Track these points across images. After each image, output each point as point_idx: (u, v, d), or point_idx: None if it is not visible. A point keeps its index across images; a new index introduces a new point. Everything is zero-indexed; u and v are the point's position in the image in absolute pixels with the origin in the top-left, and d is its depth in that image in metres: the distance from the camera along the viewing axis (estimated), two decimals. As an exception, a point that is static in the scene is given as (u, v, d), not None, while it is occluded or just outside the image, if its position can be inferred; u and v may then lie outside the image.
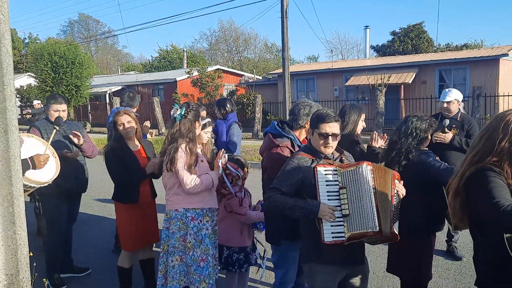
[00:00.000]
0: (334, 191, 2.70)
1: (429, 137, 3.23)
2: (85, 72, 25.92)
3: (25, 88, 31.55)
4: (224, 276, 4.05)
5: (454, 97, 4.88)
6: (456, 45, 33.52)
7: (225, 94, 26.61)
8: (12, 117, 2.30)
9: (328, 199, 2.68)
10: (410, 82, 18.98)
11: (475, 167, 2.08)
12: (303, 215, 2.68)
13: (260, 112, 19.34)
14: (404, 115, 18.61)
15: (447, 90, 5.03)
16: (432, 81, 19.73)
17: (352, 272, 2.85)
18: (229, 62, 47.41)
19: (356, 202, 2.65)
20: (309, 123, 3.01)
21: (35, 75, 26.03)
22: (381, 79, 15.70)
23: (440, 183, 2.94)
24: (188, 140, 3.27)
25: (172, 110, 3.41)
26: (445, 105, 4.87)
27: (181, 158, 3.21)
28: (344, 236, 2.62)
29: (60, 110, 4.43)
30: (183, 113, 3.32)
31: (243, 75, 30.79)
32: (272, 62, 47.37)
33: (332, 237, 2.63)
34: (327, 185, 2.70)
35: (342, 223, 2.64)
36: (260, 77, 30.89)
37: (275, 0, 17.17)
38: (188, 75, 25.53)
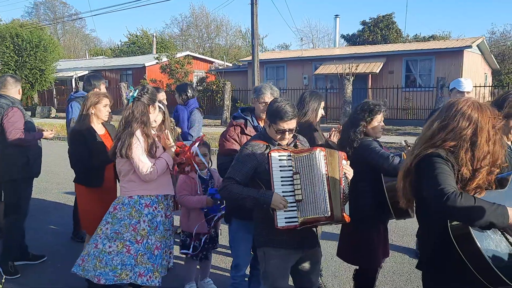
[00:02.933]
0: (288, 177, 2.73)
1: (376, 124, 3.30)
2: (49, 56, 25.10)
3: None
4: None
5: (472, 86, 4.51)
6: (424, 37, 34.20)
7: (195, 80, 26.31)
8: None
9: (282, 185, 2.71)
10: (377, 71, 19.27)
11: (425, 152, 2.12)
12: (256, 205, 2.72)
13: (229, 100, 19.26)
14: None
15: (462, 79, 4.55)
16: (399, 71, 20.09)
17: (305, 256, 2.90)
18: (201, 49, 46.80)
19: (309, 188, 2.69)
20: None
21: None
22: (349, 68, 15.86)
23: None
24: (142, 124, 3.20)
25: (126, 91, 3.34)
26: (466, 95, 4.33)
27: (136, 144, 3.14)
28: (297, 221, 2.66)
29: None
30: (135, 95, 3.24)
31: (214, 62, 30.48)
32: (244, 49, 47.04)
33: (285, 222, 2.66)
34: (280, 170, 2.73)
35: (295, 208, 2.68)
36: (231, 64, 30.67)
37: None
38: (157, 61, 25.09)
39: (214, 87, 22.73)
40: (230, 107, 19.31)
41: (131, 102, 3.24)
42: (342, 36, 35.87)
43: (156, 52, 31.83)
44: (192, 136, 5.15)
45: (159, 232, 3.28)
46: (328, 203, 2.65)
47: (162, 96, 4.91)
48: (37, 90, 26.05)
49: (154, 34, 38.99)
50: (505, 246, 2.01)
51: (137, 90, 3.26)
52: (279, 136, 2.79)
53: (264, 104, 3.40)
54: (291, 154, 2.75)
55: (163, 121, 4.09)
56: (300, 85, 21.47)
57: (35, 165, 4.46)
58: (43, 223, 6.03)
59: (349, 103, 15.84)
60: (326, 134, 3.99)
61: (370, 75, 19.60)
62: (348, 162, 2.91)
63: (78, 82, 24.52)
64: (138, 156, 3.13)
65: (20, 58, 23.90)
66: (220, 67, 27.69)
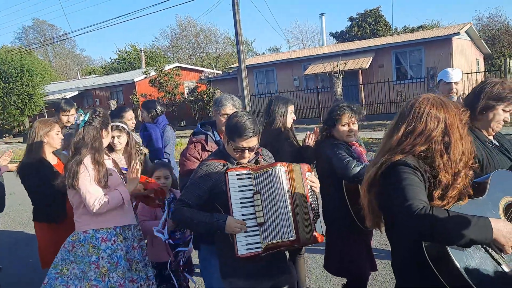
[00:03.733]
0: (248, 197, 2.44)
1: (341, 127, 3.11)
2: (36, 79, 24.88)
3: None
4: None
5: (460, 75, 4.24)
6: (412, 28, 33.97)
7: (186, 91, 26.09)
8: None
9: (242, 207, 2.43)
10: (367, 67, 19.00)
11: (391, 160, 1.82)
12: (210, 232, 2.43)
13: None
14: (364, 100, 18.70)
15: (449, 69, 4.30)
16: (389, 64, 19.83)
17: (278, 282, 2.59)
18: (193, 58, 46.63)
19: (271, 208, 2.41)
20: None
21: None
22: (337, 66, 15.60)
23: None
24: (93, 151, 2.90)
25: (76, 116, 3.04)
26: (454, 86, 4.15)
27: (84, 173, 2.83)
28: (260, 247, 2.37)
29: None
30: (86, 119, 2.95)
31: (203, 71, 30.27)
32: (234, 55, 46.79)
33: (247, 249, 2.37)
34: (239, 190, 2.44)
35: (257, 232, 2.39)
36: (221, 72, 30.45)
37: (226, -8, 16.73)
38: (145, 76, 24.86)
39: (205, 96, 22.45)
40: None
41: (82, 126, 2.95)
42: (331, 34, 35.71)
43: (146, 67, 31.65)
44: (168, 154, 4.86)
45: (121, 268, 2.96)
46: (292, 224, 2.36)
47: (129, 115, 4.62)
48: (28, 115, 25.80)
49: (142, 49, 38.73)
50: (490, 265, 1.71)
51: (87, 114, 2.97)
52: (238, 155, 2.50)
53: (225, 116, 3.13)
54: (251, 172, 2.46)
55: (127, 143, 3.84)
56: (291, 87, 21.21)
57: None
58: (13, 256, 5.65)
59: (340, 102, 15.55)
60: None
61: (360, 71, 19.33)
62: (313, 172, 2.64)
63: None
64: (85, 186, 2.82)
65: (7, 84, 23.66)
66: (209, 76, 27.47)
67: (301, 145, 3.48)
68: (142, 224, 3.35)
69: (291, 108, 3.57)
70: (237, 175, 2.44)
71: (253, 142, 2.46)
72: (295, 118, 3.66)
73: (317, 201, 2.58)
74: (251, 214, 2.40)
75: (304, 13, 79.60)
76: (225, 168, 2.49)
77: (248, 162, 2.57)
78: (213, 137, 3.22)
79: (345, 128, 3.10)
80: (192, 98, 23.33)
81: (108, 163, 3.08)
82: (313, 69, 20.44)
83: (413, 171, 1.75)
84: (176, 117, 22.94)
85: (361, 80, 19.40)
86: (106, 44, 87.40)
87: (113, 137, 3.71)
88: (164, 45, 49.96)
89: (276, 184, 2.41)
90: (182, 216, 2.44)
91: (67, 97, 27.59)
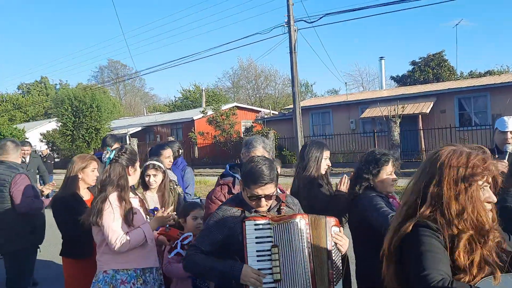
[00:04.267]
0: (266, 250, 2.27)
1: (384, 176, 2.80)
2: (104, 115, 26.42)
3: (50, 132, 32.43)
4: None
5: None
6: (479, 73, 32.61)
7: (242, 130, 26.47)
8: None
9: (258, 260, 2.26)
10: (428, 111, 18.29)
11: (408, 223, 1.61)
12: (223, 281, 2.25)
13: (274, 148, 18.95)
14: (423, 146, 17.89)
15: (506, 118, 4.09)
16: (451, 110, 18.97)
17: None
18: (252, 98, 47.66)
19: (289, 264, 2.22)
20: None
21: (57, 120, 26.75)
22: (395, 109, 15.13)
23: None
24: (119, 188, 2.88)
25: (103, 153, 3.07)
26: (509, 135, 3.87)
27: (109, 210, 2.80)
28: (276, 306, 2.17)
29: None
30: (112, 156, 2.95)
31: (260, 111, 30.70)
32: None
33: None
34: (257, 242, 2.28)
35: (274, 289, 2.20)
36: (277, 113, 30.72)
37: (284, 36, 17.06)
38: (203, 114, 25.64)
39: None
40: (274, 156, 18.97)
41: (108, 164, 2.97)
42: (392, 78, 35.14)
43: (206, 106, 32.72)
44: (190, 195, 4.81)
45: None
46: (310, 285, 2.15)
47: (167, 153, 4.64)
48: (93, 148, 27.28)
49: (203, 88, 40.19)
50: None
51: (113, 152, 2.99)
52: (254, 203, 2.33)
53: None
54: (270, 222, 2.30)
55: (162, 181, 3.82)
56: (347, 130, 20.86)
57: (40, 232, 4.28)
58: None
59: (397, 146, 14.98)
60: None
61: (420, 116, 18.63)
62: (341, 229, 2.40)
63: (130, 139, 25.44)
64: (108, 224, 2.78)
65: (77, 119, 25.29)
66: (266, 116, 27.76)
67: (334, 191, 3.27)
68: (169, 266, 3.24)
69: (326, 153, 3.38)
70: (255, 225, 2.29)
71: (269, 189, 2.29)
72: (330, 165, 3.47)
73: (343, 259, 2.35)
74: (268, 268, 2.23)
75: (364, 56, 79.36)
76: (242, 215, 2.35)
77: (269, 210, 2.41)
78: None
79: (390, 177, 2.86)
80: (247, 137, 23.56)
81: (134, 202, 3.04)
82: (371, 112, 20.02)
83: (433, 234, 1.52)
84: (231, 155, 23.21)
85: (420, 125, 18.67)
86: (172, 84, 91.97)
87: (148, 175, 3.72)
88: (225, 85, 51.60)
89: (295, 237, 2.23)
90: (195, 263, 2.30)
91: (131, 132, 29.00)
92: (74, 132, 25.31)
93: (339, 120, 22.23)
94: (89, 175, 3.66)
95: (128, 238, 2.81)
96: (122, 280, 2.87)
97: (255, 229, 2.28)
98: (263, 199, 2.29)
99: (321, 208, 2.87)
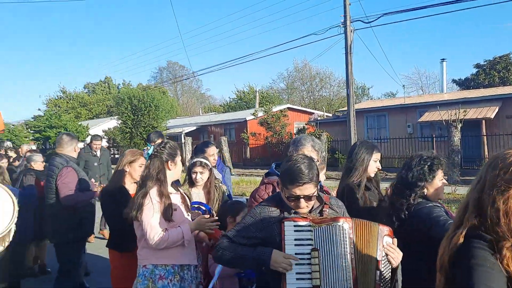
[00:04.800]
0: (305, 253, 2.16)
1: (439, 183, 2.57)
2: (161, 114, 27.24)
3: (112, 129, 33.95)
4: None
5: None
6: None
7: (294, 132, 26.30)
8: None
9: (297, 263, 2.15)
10: (492, 117, 17.20)
11: (459, 233, 1.45)
12: (253, 267, 2.22)
13: (326, 151, 18.63)
14: (487, 153, 16.83)
15: None
16: (519, 115, 17.73)
17: None
18: (306, 100, 47.30)
19: (329, 271, 2.09)
20: None
21: (117, 118, 27.95)
22: (456, 114, 14.33)
23: None
24: (158, 182, 2.88)
25: (145, 149, 3.09)
26: None
27: (149, 205, 2.82)
28: (313, 310, 2.06)
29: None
30: (151, 152, 2.96)
31: (314, 113, 30.36)
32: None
33: None
34: (296, 244, 2.17)
35: (312, 295, 2.09)
36: (331, 115, 30.23)
37: (340, 37, 16.72)
38: (253, 117, 25.75)
39: (312, 138, 22.31)
40: (327, 158, 18.65)
41: (147, 159, 2.99)
42: (454, 81, 33.55)
43: (259, 107, 32.85)
44: (230, 196, 4.78)
45: None
46: (350, 295, 2.01)
47: (212, 151, 4.63)
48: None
49: (257, 90, 40.36)
50: None
51: (153, 147, 3.00)
52: (292, 203, 2.22)
53: None
54: (311, 224, 2.18)
55: (208, 178, 3.81)
56: (404, 134, 20.09)
57: (88, 225, 4.40)
58: (90, 283, 5.68)
59: (457, 152, 14.18)
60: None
61: (483, 121, 17.58)
62: (395, 240, 2.20)
63: (185, 138, 26.04)
64: (147, 219, 2.80)
65: (136, 117, 26.27)
66: (319, 118, 27.40)
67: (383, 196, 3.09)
68: (214, 265, 3.17)
69: (376, 155, 3.20)
70: (294, 226, 2.18)
71: (308, 189, 2.16)
72: (380, 168, 3.28)
73: (393, 272, 2.17)
74: (307, 273, 2.11)
75: (425, 58, 76.25)
76: (281, 216, 2.25)
77: (311, 211, 2.30)
78: None
79: (443, 183, 2.64)
80: (296, 136, 23.38)
81: (176, 198, 3.03)
82: (430, 116, 19.15)
83: (487, 247, 1.36)
84: (283, 156, 23.10)
85: (484, 131, 17.59)
86: (227, 85, 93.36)
87: (195, 172, 3.72)
88: (279, 87, 51.59)
89: (337, 242, 2.10)
90: (223, 252, 2.24)
91: (186, 131, 29.69)
92: (133, 130, 26.29)
93: (395, 124, 21.47)
94: (136, 169, 3.71)
95: (166, 236, 2.80)
96: (161, 275, 2.88)
97: (295, 231, 2.18)
98: (302, 200, 2.18)
99: (365, 216, 2.68)
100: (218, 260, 2.31)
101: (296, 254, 2.15)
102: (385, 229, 2.19)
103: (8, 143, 12.11)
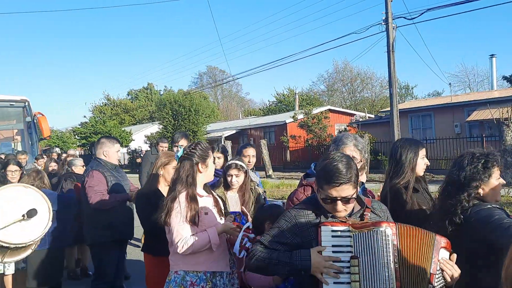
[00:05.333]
0: (344, 261, 1.95)
1: (495, 182, 2.26)
2: (201, 118, 27.53)
3: (154, 134, 34.71)
4: None
5: None
6: None
7: (335, 134, 25.84)
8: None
9: (335, 272, 1.93)
10: (549, 114, 16.07)
11: None
12: (292, 273, 2.03)
13: (368, 152, 18.08)
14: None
15: None
16: None
17: None
18: (347, 101, 46.52)
19: (371, 280, 1.88)
20: None
21: (159, 123, 28.52)
22: (508, 112, 13.49)
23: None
24: (187, 186, 2.75)
25: (174, 150, 2.97)
26: None
27: (177, 210, 2.69)
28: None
29: (120, 151, 4.40)
30: (180, 153, 2.82)
31: (355, 114, 29.72)
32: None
33: None
34: (334, 251, 1.97)
35: (352, 307, 1.88)
36: (373, 116, 29.47)
37: (381, 35, 16.22)
38: (292, 120, 25.50)
39: (354, 140, 21.79)
40: (369, 160, 18.11)
41: (178, 161, 2.86)
42: (504, 78, 31.73)
43: (299, 109, 32.54)
44: None
45: None
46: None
47: (247, 152, 4.47)
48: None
49: (297, 92, 40.05)
50: None
51: (183, 149, 2.87)
52: (328, 206, 2.02)
53: None
54: (351, 229, 1.97)
55: (244, 181, 3.65)
56: (451, 134, 19.20)
57: (121, 227, 4.34)
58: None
59: (510, 153, 13.33)
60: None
61: (539, 119, 16.46)
62: (454, 256, 1.95)
63: (224, 141, 26.19)
64: (174, 224, 2.68)
65: (177, 122, 26.68)
66: (361, 119, 26.78)
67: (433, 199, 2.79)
68: (249, 274, 2.94)
69: (422, 152, 2.89)
70: (332, 231, 1.98)
71: (346, 191, 1.95)
72: (429, 164, 2.98)
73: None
74: (346, 283, 1.90)
75: (473, 54, 73.13)
76: (318, 220, 2.05)
77: (350, 215, 2.08)
78: None
79: (500, 182, 2.33)
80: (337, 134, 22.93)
81: (208, 201, 2.90)
82: (479, 115, 18.21)
83: None
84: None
85: (540, 129, 16.47)
86: (267, 88, 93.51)
87: (231, 175, 3.58)
88: (320, 89, 50.99)
89: (378, 249, 1.88)
90: (258, 258, 2.06)
91: (225, 135, 29.86)
92: (174, 134, 26.72)
93: (442, 124, 20.58)
94: (170, 172, 3.59)
95: (192, 241, 2.67)
96: (192, 282, 2.74)
97: (332, 236, 1.98)
98: (339, 202, 1.97)
99: (414, 222, 2.41)
100: (252, 268, 2.14)
101: (334, 262, 1.94)
102: (442, 241, 1.95)
103: (57, 149, 12.51)
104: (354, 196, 1.99)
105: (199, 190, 2.85)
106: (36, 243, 3.39)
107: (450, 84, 37.86)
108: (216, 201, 2.99)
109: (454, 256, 1.95)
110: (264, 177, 18.68)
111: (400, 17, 15.85)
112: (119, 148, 4.47)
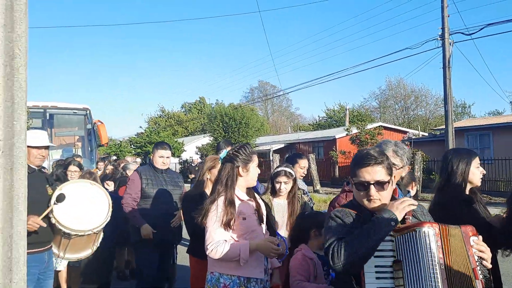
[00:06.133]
0: (386, 266, 1.92)
1: None
2: (251, 131, 27.84)
3: (204, 146, 35.48)
4: None
5: None
6: None
7: (386, 152, 25.20)
8: (19, 155, 2.23)
9: (377, 277, 1.93)
10: None
11: None
12: (386, 230, 1.89)
13: (420, 171, 17.46)
14: None
15: None
16: None
17: None
18: (399, 119, 45.32)
19: (416, 285, 1.83)
20: None
21: (210, 135, 29.16)
22: None
23: None
24: (226, 189, 2.75)
25: (219, 154, 3.04)
26: None
27: (214, 212, 2.70)
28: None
29: (164, 156, 4.51)
30: (223, 155, 2.86)
31: (408, 131, 28.87)
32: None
33: None
34: (375, 256, 1.94)
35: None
36: (427, 134, 28.49)
37: (437, 51, 15.76)
38: (346, 133, 25.13)
39: (406, 158, 21.14)
40: (422, 179, 17.48)
41: (221, 162, 2.92)
42: None
43: (349, 125, 32.14)
44: None
45: None
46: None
47: (303, 163, 4.45)
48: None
49: (347, 108, 39.56)
50: None
51: (226, 151, 2.91)
52: (362, 194, 2.02)
53: None
54: (392, 233, 1.95)
55: (292, 189, 3.67)
56: (511, 154, 18.15)
57: (161, 231, 4.35)
58: None
59: None
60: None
61: None
62: (480, 237, 1.95)
63: (273, 155, 26.23)
64: (209, 226, 2.71)
65: (227, 134, 27.13)
66: (413, 137, 25.96)
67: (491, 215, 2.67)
68: (299, 284, 2.91)
69: (475, 161, 2.79)
70: (373, 235, 1.96)
71: (379, 173, 1.98)
72: (485, 172, 2.85)
73: (487, 271, 1.88)
74: (390, 289, 1.87)
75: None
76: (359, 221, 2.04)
77: None
78: None
79: None
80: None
81: (249, 206, 2.87)
82: (543, 135, 17.13)
83: None
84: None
85: None
86: (317, 103, 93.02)
87: (279, 182, 3.60)
88: (372, 105, 50.05)
89: (423, 251, 1.85)
90: (346, 246, 1.89)
91: (274, 148, 29.94)
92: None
93: (501, 144, 19.51)
94: (215, 175, 3.69)
95: (221, 249, 2.66)
96: (225, 284, 2.75)
97: (375, 241, 1.96)
98: (372, 187, 1.98)
99: None
100: (345, 263, 1.87)
101: (375, 266, 1.93)
102: (468, 229, 1.95)
103: (114, 157, 13.16)
104: (389, 183, 2.01)
105: (240, 193, 2.83)
106: (96, 241, 3.59)
107: (511, 102, 35.91)
108: (258, 206, 2.95)
109: (480, 237, 1.95)
110: (311, 192, 18.51)
111: (458, 32, 15.37)
112: (165, 154, 4.49)
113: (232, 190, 2.77)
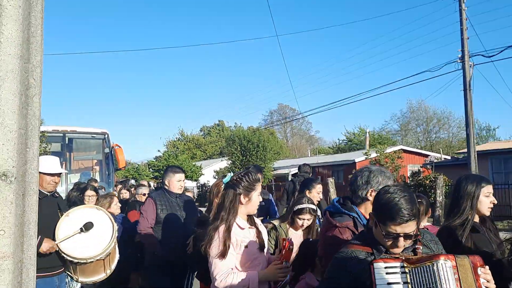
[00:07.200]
0: (402, 299, 1.86)
1: None
2: (269, 154, 27.81)
3: (222, 170, 35.55)
4: None
5: None
6: None
7: (408, 175, 24.77)
8: (31, 181, 2.27)
9: (394, 310, 1.86)
10: None
11: None
12: None
13: (442, 195, 17.04)
14: None
15: None
16: None
17: None
18: (421, 142, 44.71)
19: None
20: (372, 197, 2.26)
21: (227, 158, 29.22)
22: None
23: None
24: (229, 217, 2.67)
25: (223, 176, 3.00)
26: None
27: (216, 241, 2.63)
28: None
29: (182, 180, 4.54)
30: (226, 180, 2.78)
31: (429, 155, 28.39)
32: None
33: None
34: (389, 288, 1.88)
35: None
36: (449, 157, 27.96)
37: (458, 73, 15.61)
38: (365, 156, 24.86)
39: (427, 182, 20.71)
40: (443, 204, 17.04)
41: (224, 188, 2.84)
42: None
43: (370, 148, 31.83)
44: None
45: None
46: None
47: (319, 188, 4.40)
48: (259, 186, 28.81)
49: (368, 131, 39.27)
50: None
51: (230, 176, 2.82)
52: (389, 242, 1.97)
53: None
54: (405, 265, 1.89)
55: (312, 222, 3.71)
56: (539, 179, 17.64)
57: (167, 253, 4.31)
58: None
59: None
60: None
61: None
62: (487, 267, 1.89)
63: (291, 178, 26.18)
64: (213, 255, 2.63)
65: (245, 157, 27.16)
66: (435, 160, 25.50)
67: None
68: None
69: (486, 189, 2.68)
70: (385, 267, 1.91)
71: (411, 227, 1.92)
72: (495, 202, 2.75)
73: None
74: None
75: None
76: (370, 258, 1.99)
77: (403, 250, 2.00)
78: (360, 220, 2.54)
79: None
80: (413, 183, 21.88)
81: (250, 233, 2.78)
82: None
83: None
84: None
85: None
86: (337, 127, 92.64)
87: (303, 219, 3.69)
88: (393, 128, 49.58)
89: (441, 284, 1.79)
90: None
91: (292, 172, 29.78)
92: (241, 169, 27.17)
93: (527, 168, 19.00)
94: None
95: (230, 279, 2.59)
96: None
97: (387, 273, 1.90)
98: (401, 239, 1.93)
99: None
100: None
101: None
102: (476, 259, 1.90)
103: (132, 181, 13.32)
104: (416, 232, 1.95)
105: (240, 221, 2.75)
106: (109, 264, 3.59)
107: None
108: (258, 234, 2.85)
109: (486, 267, 1.90)
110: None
111: (478, 54, 15.22)
112: (181, 178, 4.53)
113: (233, 218, 2.70)
